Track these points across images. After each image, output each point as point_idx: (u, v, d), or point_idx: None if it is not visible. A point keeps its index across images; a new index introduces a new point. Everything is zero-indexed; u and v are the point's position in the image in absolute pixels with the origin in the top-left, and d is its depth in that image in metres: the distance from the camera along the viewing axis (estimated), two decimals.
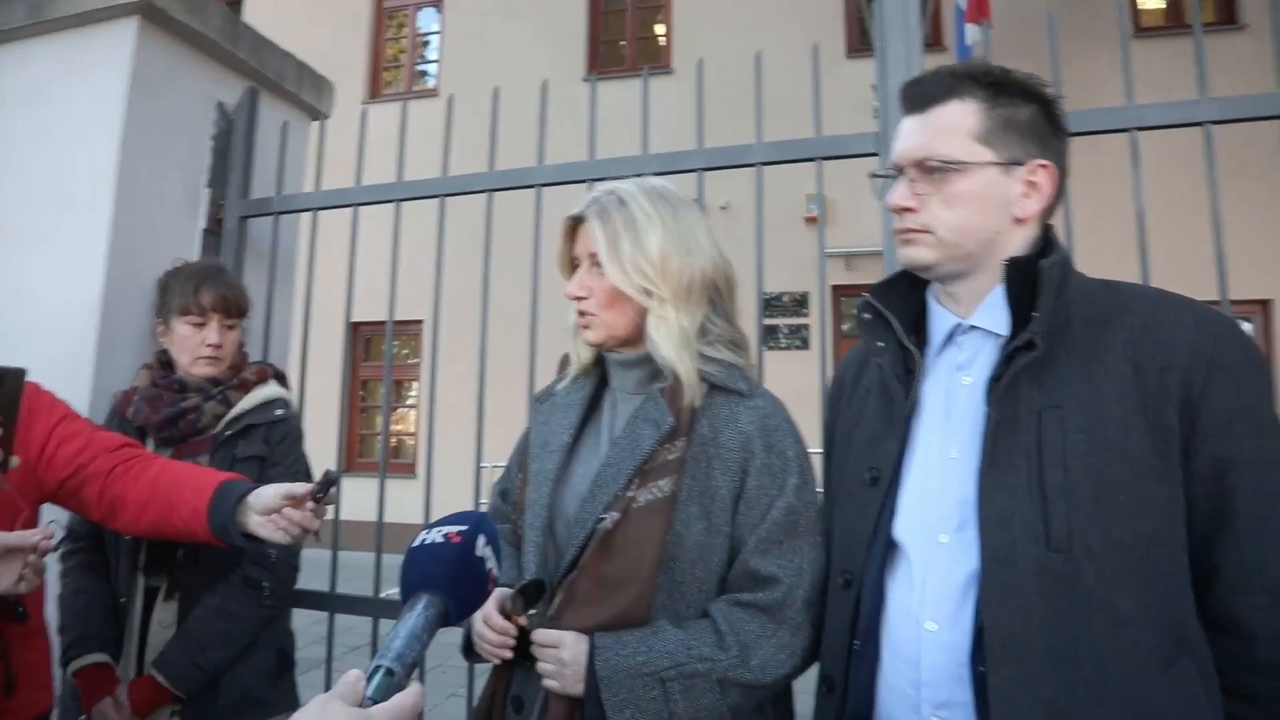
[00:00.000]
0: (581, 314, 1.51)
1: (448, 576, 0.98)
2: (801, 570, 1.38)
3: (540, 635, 1.36)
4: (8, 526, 1.51)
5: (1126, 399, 1.13)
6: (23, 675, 1.61)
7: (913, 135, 1.28)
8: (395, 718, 0.80)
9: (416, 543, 1.03)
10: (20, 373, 1.50)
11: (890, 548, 1.27)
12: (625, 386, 1.54)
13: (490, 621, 1.40)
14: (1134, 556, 1.10)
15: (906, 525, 1.25)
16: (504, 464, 1.71)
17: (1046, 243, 1.27)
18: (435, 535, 1.03)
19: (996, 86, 1.25)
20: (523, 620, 1.39)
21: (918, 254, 1.28)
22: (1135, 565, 1.10)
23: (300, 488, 1.60)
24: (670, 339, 1.43)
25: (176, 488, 1.68)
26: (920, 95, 1.29)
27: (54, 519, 1.78)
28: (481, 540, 1.04)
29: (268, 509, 1.60)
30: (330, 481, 1.56)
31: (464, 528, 1.03)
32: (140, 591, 1.99)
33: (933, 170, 1.24)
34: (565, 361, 1.65)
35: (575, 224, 1.53)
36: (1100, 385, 1.15)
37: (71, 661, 1.93)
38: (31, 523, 1.64)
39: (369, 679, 0.83)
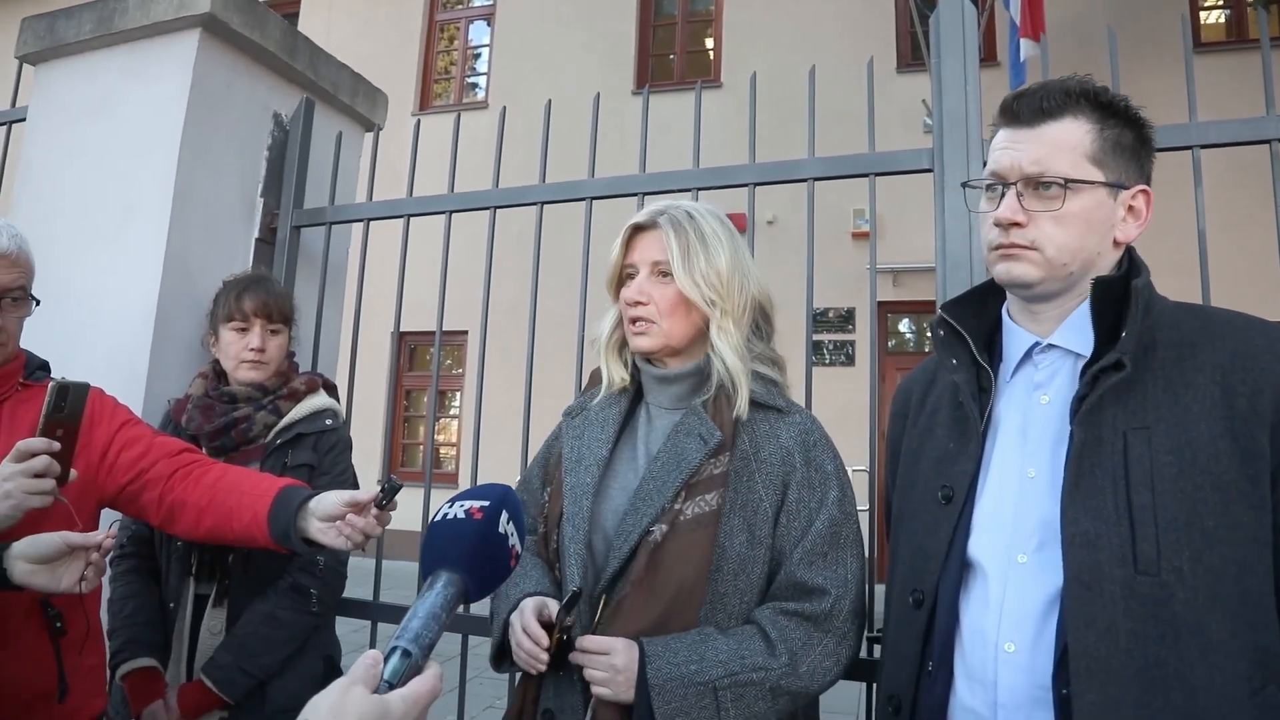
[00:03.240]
0: (636, 320, 1.53)
1: (469, 553, 0.95)
2: (846, 581, 1.43)
3: (590, 642, 1.36)
4: None
5: (1215, 423, 1.11)
6: (75, 680, 1.63)
7: (1023, 149, 1.24)
8: (412, 704, 0.79)
9: (438, 517, 1.00)
10: (85, 387, 1.53)
11: (964, 567, 1.25)
12: (661, 401, 1.57)
13: (530, 630, 1.40)
14: (1224, 583, 1.08)
15: (982, 544, 1.23)
16: None
17: (1131, 263, 1.26)
18: (458, 510, 1.00)
19: (1106, 108, 1.23)
20: (569, 620, 1.38)
21: (1022, 270, 1.24)
22: (1226, 592, 1.08)
23: (364, 495, 1.59)
24: (734, 349, 1.49)
25: (236, 493, 1.69)
26: (1030, 109, 1.25)
27: (116, 519, 1.81)
28: (504, 516, 1.01)
29: (330, 515, 1.60)
30: (394, 489, 1.56)
31: (487, 503, 1.00)
32: (190, 598, 2.01)
33: (1046, 186, 1.22)
34: (594, 378, 1.67)
35: (634, 233, 1.57)
36: (1189, 408, 1.13)
37: (120, 666, 1.96)
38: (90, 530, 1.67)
39: (385, 660, 0.81)
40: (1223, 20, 9.91)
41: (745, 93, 2.25)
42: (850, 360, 9.83)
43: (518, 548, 1.04)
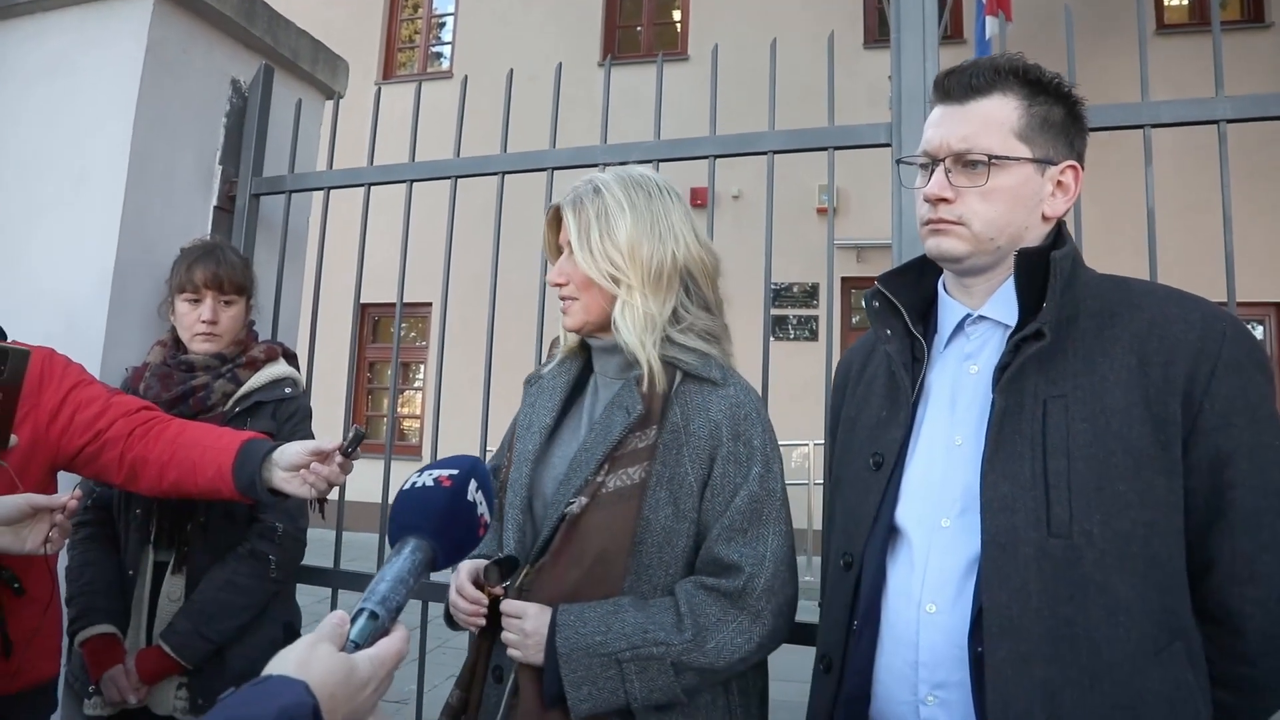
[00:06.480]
0: (562, 299, 1.54)
1: (437, 521, 0.97)
2: (763, 558, 1.40)
3: (507, 606, 1.41)
4: None
5: (1130, 391, 1.15)
6: (22, 641, 1.63)
7: (952, 126, 1.26)
8: (378, 665, 0.81)
9: (407, 485, 1.01)
10: (24, 353, 1.52)
11: (892, 532, 1.28)
12: (607, 372, 1.57)
13: (463, 591, 1.45)
14: (1133, 545, 1.12)
15: (909, 510, 1.27)
16: None
17: (1057, 236, 1.29)
18: (426, 479, 1.01)
19: (1035, 84, 1.26)
20: (498, 591, 1.42)
21: (950, 245, 1.27)
22: (1134, 553, 1.12)
23: (328, 444, 1.63)
24: (634, 325, 1.46)
25: (199, 447, 1.70)
26: (960, 86, 1.27)
27: (78, 482, 1.81)
28: (473, 485, 1.02)
29: (294, 465, 1.63)
30: (359, 437, 1.59)
31: (455, 472, 1.01)
32: (149, 565, 2.01)
33: (973, 163, 1.24)
34: (555, 344, 1.68)
35: (558, 212, 1.56)
36: (1105, 377, 1.17)
37: (79, 632, 1.96)
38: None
39: (353, 621, 0.83)
40: (1185, 3, 10.02)
41: (711, 66, 2.25)
42: (815, 335, 9.91)
43: (486, 516, 1.05)
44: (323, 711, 0.73)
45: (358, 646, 0.81)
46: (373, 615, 0.84)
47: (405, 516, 0.97)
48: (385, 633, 0.84)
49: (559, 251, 1.57)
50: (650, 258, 1.47)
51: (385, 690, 0.83)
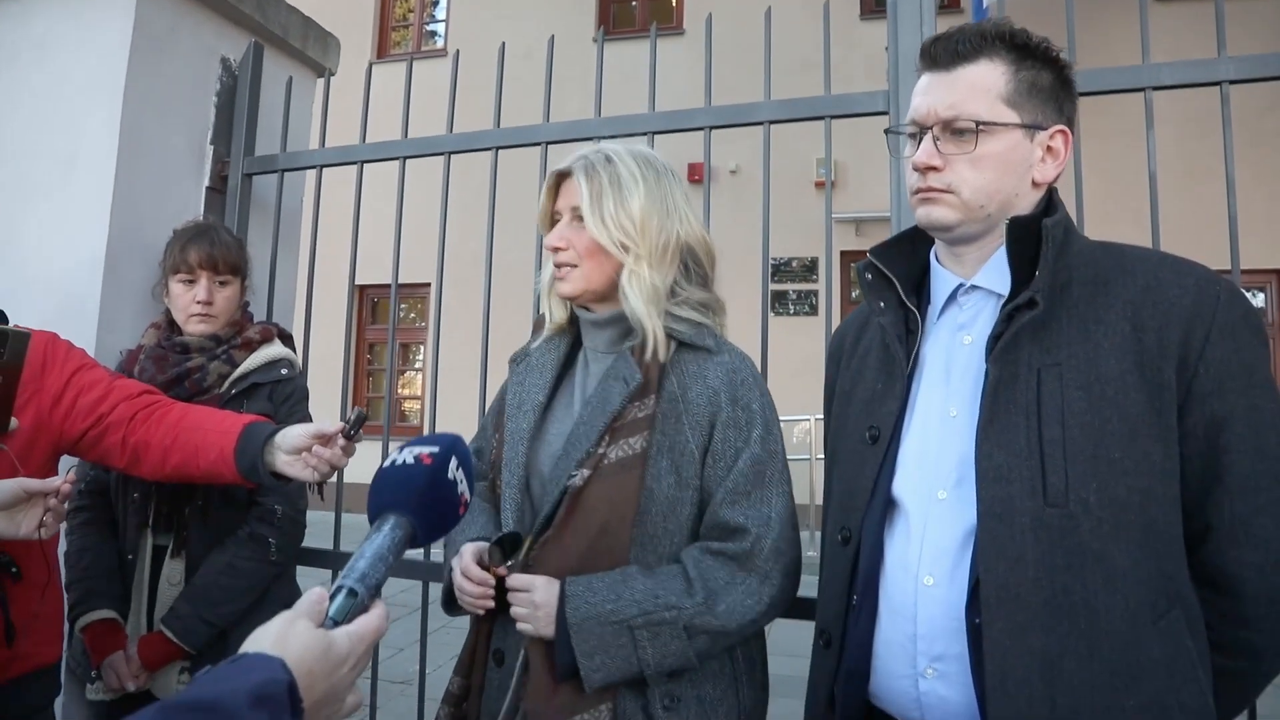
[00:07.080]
0: (559, 266, 1.53)
1: (417, 498, 0.96)
2: (769, 519, 1.41)
3: (513, 579, 1.40)
4: None
5: (1125, 358, 1.14)
6: (24, 626, 1.63)
7: (939, 93, 1.25)
8: (357, 642, 0.80)
9: (387, 463, 1.01)
10: (24, 336, 1.51)
11: (889, 505, 1.27)
12: (597, 346, 1.56)
13: (469, 573, 1.43)
14: (1129, 512, 1.11)
15: (905, 482, 1.26)
16: None
17: (1049, 204, 1.28)
18: (407, 456, 1.00)
19: (1022, 49, 1.24)
20: (501, 571, 1.41)
21: (940, 214, 1.25)
22: (1130, 521, 1.11)
23: (329, 427, 1.63)
24: (642, 294, 1.46)
25: (200, 431, 1.70)
26: (947, 52, 1.25)
27: (73, 464, 1.80)
28: (454, 463, 1.01)
29: (296, 448, 1.63)
30: (361, 419, 1.60)
31: (436, 449, 1.01)
32: (148, 549, 2.01)
33: (960, 131, 1.23)
34: (539, 326, 1.68)
35: (560, 179, 1.56)
36: (1099, 344, 1.16)
37: (80, 618, 1.96)
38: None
39: (331, 599, 0.82)
40: None
41: (705, 36, 2.22)
42: (814, 310, 9.89)
43: (467, 494, 1.04)
44: (300, 688, 0.72)
45: (336, 624, 0.81)
46: (351, 592, 0.83)
47: (385, 494, 0.97)
48: (364, 610, 0.83)
49: (553, 221, 1.56)
50: (659, 231, 1.48)
51: (364, 667, 0.82)
